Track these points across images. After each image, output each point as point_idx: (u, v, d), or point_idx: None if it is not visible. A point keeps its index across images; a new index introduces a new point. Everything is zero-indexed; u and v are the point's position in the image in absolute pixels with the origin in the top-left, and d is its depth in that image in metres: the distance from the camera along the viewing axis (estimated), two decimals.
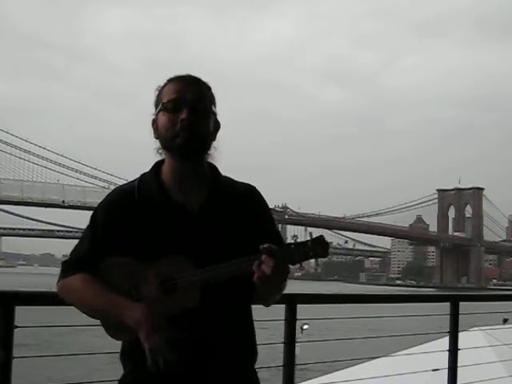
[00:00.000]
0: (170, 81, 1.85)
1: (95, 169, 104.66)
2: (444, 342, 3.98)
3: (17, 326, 2.39)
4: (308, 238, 1.68)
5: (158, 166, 1.88)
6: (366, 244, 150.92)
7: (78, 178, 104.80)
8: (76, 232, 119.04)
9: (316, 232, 1.68)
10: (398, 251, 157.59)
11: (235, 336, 1.82)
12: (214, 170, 1.89)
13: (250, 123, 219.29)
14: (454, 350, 3.86)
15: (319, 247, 1.66)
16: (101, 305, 1.76)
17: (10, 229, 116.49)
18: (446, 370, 3.85)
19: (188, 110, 1.78)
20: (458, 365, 3.86)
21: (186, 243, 1.76)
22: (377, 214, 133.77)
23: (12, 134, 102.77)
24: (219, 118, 1.89)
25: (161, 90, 1.85)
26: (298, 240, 1.68)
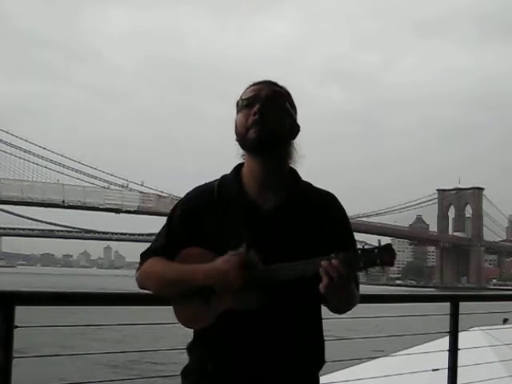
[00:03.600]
0: (251, 85, 1.91)
1: (95, 169, 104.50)
2: (444, 342, 3.97)
3: (17, 326, 2.38)
4: (376, 245, 1.65)
5: (239, 167, 1.93)
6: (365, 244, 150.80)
7: (78, 178, 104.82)
8: (76, 232, 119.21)
9: None
10: (398, 251, 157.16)
11: (297, 339, 1.81)
12: (293, 174, 1.92)
13: None
14: (453, 350, 3.85)
15: (387, 255, 1.62)
16: (177, 274, 1.81)
17: (10, 229, 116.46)
18: (446, 370, 3.84)
19: (260, 103, 1.83)
20: (458, 365, 3.85)
21: (255, 241, 1.77)
22: (377, 214, 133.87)
23: (12, 134, 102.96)
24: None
25: (242, 94, 1.91)
26: (366, 247, 1.66)
